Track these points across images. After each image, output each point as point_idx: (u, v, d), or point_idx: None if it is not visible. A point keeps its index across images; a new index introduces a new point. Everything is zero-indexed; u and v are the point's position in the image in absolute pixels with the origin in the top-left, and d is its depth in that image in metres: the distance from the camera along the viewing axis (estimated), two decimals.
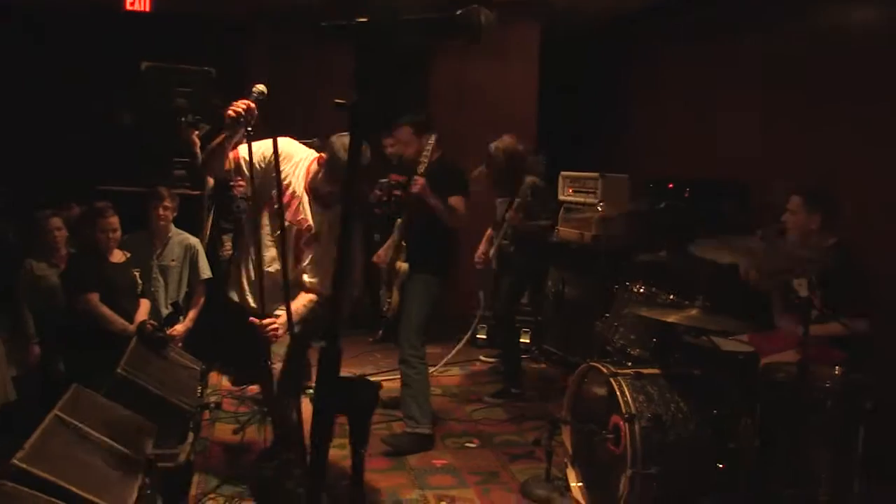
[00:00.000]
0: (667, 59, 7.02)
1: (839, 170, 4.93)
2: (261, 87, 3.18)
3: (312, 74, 6.92)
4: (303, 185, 3.59)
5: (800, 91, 5.41)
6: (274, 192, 3.28)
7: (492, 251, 5.57)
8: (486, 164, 5.50)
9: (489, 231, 5.75)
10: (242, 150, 3.32)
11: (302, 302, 3.52)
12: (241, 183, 5.28)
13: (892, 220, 4.62)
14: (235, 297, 3.71)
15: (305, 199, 3.59)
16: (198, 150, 5.46)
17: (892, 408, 3.50)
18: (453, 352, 6.12)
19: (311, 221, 3.58)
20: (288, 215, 3.51)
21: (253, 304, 3.56)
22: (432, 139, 4.53)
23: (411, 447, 4.47)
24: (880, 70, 4.77)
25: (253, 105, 3.13)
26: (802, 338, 3.36)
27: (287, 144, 3.62)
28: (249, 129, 3.13)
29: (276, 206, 3.31)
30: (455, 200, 4.55)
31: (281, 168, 3.24)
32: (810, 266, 3.62)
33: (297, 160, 3.62)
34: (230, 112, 3.13)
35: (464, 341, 6.09)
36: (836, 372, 3.55)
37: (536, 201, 5.49)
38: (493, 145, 5.48)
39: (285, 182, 3.49)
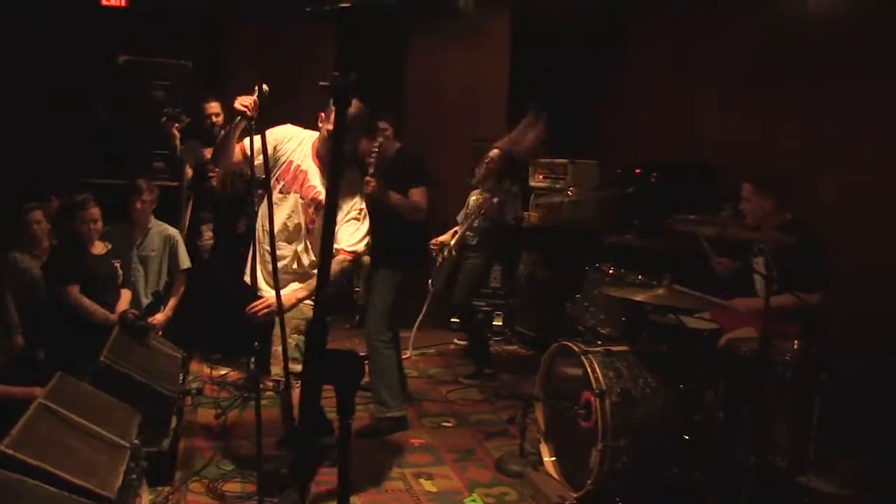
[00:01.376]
0: (635, 47, 7.05)
1: (801, 151, 5.01)
2: (264, 87, 3.24)
3: (293, 64, 6.87)
4: (310, 158, 3.64)
5: (763, 76, 5.46)
6: (277, 174, 3.60)
7: (453, 241, 5.55)
8: (484, 165, 5.56)
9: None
10: (247, 142, 3.37)
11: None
12: (214, 171, 5.38)
13: (849, 198, 4.71)
14: (249, 281, 3.61)
15: (313, 169, 3.63)
16: (177, 143, 5.47)
17: (843, 379, 3.61)
18: (411, 335, 6.05)
19: (319, 189, 3.60)
20: (296, 187, 3.62)
21: (267, 289, 3.50)
22: (377, 143, 4.54)
23: (385, 431, 4.50)
24: (835, 56, 4.84)
25: (256, 101, 3.18)
26: (762, 314, 3.43)
27: (289, 129, 3.73)
28: (252, 122, 3.19)
29: (278, 187, 3.59)
30: (416, 193, 4.57)
31: (286, 148, 3.63)
32: (767, 244, 3.69)
33: (302, 138, 3.70)
34: (237, 106, 3.19)
35: (417, 323, 6.03)
36: (795, 346, 3.63)
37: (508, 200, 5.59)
38: (492, 153, 5.57)
39: (288, 159, 3.64)
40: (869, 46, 4.60)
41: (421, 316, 6.00)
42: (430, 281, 5.59)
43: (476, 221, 5.53)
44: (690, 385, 3.70)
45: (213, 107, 5.58)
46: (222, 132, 3.54)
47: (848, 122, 4.75)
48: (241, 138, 3.46)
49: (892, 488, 1.75)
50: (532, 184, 6.51)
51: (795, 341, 3.64)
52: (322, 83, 1.55)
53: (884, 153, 4.52)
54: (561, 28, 7.36)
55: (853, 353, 4.24)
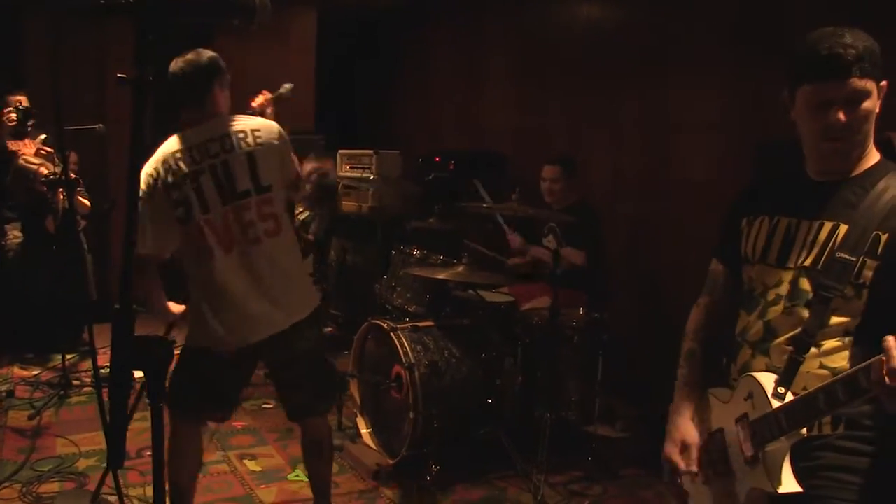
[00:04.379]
0: (434, 42, 7.21)
1: (578, 141, 5.39)
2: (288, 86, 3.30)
3: (95, 56, 6.40)
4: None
5: (544, 72, 5.77)
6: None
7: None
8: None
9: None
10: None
11: None
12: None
13: (616, 180, 5.15)
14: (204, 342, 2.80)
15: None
16: None
17: (620, 340, 3.95)
18: None
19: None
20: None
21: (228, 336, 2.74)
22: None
23: None
24: (603, 58, 5.22)
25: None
26: (552, 287, 3.66)
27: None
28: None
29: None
30: None
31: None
32: (560, 224, 3.93)
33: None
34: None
35: None
36: (581, 312, 3.90)
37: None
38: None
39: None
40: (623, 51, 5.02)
41: None
42: None
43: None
44: (491, 353, 3.87)
45: (17, 100, 5.08)
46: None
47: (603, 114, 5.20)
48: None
49: (661, 428, 1.97)
50: (340, 173, 6.47)
51: (581, 308, 3.90)
52: (120, 74, 1.47)
53: (640, 139, 4.98)
54: (365, 28, 7.41)
55: (630, 317, 4.62)
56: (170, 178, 2.65)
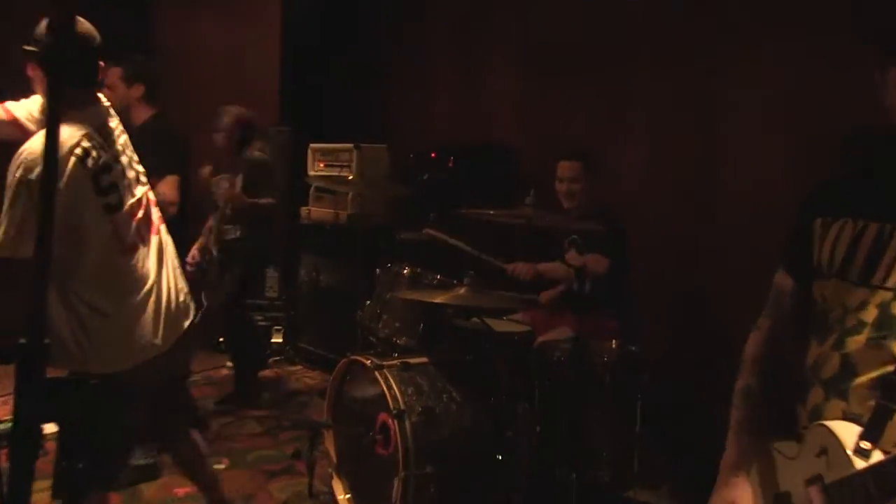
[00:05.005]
0: (426, 17, 7.14)
1: (602, 134, 5.37)
2: None
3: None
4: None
5: (561, 48, 5.74)
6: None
7: (211, 239, 5.38)
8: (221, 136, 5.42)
9: (208, 221, 5.54)
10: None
11: None
12: None
13: (647, 182, 5.16)
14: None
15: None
16: None
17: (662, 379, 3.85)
18: None
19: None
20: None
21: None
22: (140, 91, 4.43)
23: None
24: (634, 31, 5.20)
25: None
26: (576, 316, 3.59)
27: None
28: None
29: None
30: (165, 185, 4.28)
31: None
32: (582, 233, 3.87)
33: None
34: None
35: None
36: (613, 345, 3.82)
37: (257, 177, 5.46)
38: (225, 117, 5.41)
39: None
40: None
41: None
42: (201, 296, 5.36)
43: (228, 209, 5.38)
44: (501, 397, 3.75)
45: None
46: None
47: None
48: None
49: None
50: (311, 173, 6.41)
51: (613, 340, 3.83)
52: (26, 47, 1.43)
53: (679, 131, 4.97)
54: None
55: (671, 349, 4.56)
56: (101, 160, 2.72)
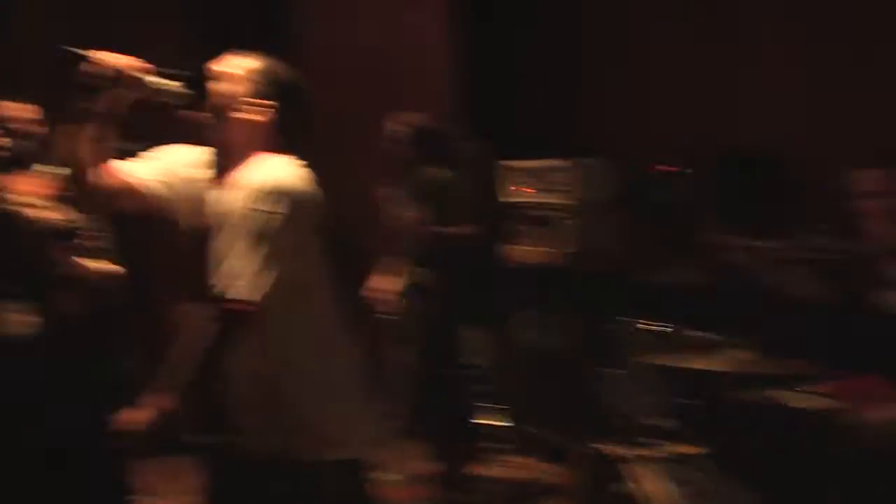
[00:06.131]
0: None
1: None
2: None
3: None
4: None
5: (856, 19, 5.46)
6: None
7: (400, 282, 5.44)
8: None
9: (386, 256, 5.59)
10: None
11: None
12: None
13: None
14: None
15: None
16: None
17: None
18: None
19: None
20: None
21: None
22: None
23: None
24: None
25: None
26: None
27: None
28: None
29: None
30: None
31: None
32: None
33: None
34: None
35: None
36: None
37: (444, 202, 5.46)
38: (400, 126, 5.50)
39: None
40: None
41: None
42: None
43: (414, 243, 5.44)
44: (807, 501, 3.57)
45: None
46: None
47: None
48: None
49: None
50: (512, 200, 6.31)
51: None
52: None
53: None
54: None
55: None
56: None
